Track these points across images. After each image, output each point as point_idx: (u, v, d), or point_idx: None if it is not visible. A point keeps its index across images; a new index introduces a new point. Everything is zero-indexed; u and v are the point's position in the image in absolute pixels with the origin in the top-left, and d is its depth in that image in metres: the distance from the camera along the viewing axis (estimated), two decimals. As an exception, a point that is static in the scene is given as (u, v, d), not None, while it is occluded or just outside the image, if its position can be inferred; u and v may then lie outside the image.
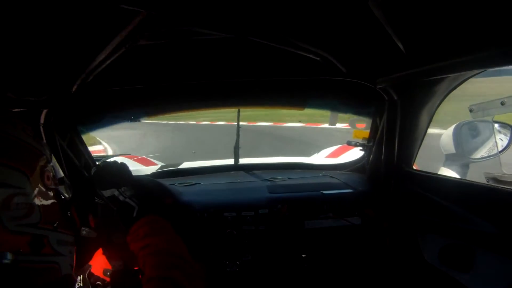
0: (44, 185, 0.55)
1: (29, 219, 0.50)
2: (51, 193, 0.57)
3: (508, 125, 1.22)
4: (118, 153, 2.80)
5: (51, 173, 0.58)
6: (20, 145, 0.53)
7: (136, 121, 1.67)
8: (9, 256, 0.46)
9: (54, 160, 0.64)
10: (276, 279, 1.34)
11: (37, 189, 0.53)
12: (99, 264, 0.80)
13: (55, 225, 0.56)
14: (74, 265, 0.62)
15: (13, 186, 0.48)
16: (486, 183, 1.03)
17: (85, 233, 0.68)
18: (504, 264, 0.87)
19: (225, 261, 1.31)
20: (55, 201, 0.58)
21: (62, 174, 0.65)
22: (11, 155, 0.50)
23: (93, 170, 0.76)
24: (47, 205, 0.55)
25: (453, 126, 1.43)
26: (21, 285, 0.49)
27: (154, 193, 0.92)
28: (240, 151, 1.81)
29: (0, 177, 0.47)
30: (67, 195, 0.65)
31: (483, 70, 0.89)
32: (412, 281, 1.25)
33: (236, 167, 1.81)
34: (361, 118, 1.65)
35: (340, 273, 1.37)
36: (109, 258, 0.79)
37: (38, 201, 0.52)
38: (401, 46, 0.86)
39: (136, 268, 0.77)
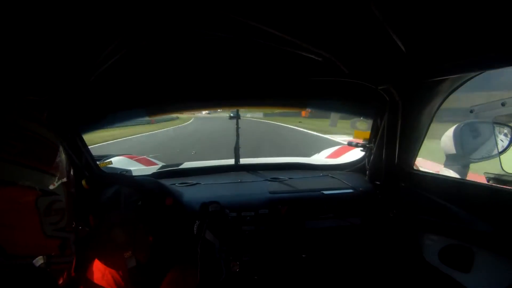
0: (72, 188, 0.56)
1: (61, 223, 0.52)
2: (73, 195, 0.58)
3: (509, 125, 1.22)
4: (119, 153, 2.80)
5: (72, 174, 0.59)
6: (53, 149, 0.53)
7: (136, 120, 1.66)
8: (40, 260, 0.47)
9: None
10: (276, 280, 1.34)
11: (67, 192, 0.54)
12: (97, 270, 0.78)
13: (74, 226, 0.57)
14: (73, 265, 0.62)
15: (54, 193, 0.50)
16: (487, 183, 1.03)
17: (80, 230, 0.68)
18: (504, 264, 0.88)
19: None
20: (74, 202, 0.59)
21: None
22: (50, 161, 0.51)
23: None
24: (71, 208, 0.56)
25: (454, 126, 1.44)
26: (50, 285, 0.50)
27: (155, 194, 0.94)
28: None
29: (42, 184, 0.48)
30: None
31: (483, 71, 0.90)
32: (412, 281, 1.25)
33: (237, 167, 1.81)
34: (362, 118, 1.65)
35: (340, 273, 1.37)
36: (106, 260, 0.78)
37: (67, 205, 0.54)
38: (402, 47, 0.87)
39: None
